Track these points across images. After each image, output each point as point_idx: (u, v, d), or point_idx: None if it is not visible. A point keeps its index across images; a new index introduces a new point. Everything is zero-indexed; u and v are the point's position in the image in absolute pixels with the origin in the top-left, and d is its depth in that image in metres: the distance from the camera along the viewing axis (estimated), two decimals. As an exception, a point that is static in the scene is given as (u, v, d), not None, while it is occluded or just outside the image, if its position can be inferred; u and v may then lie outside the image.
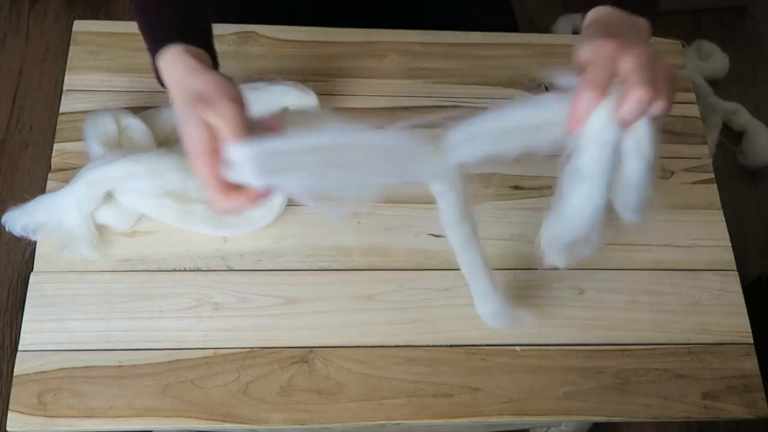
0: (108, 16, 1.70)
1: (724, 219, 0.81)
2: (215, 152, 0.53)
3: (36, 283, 0.71)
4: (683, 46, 0.92)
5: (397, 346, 0.72)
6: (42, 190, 0.74)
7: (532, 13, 1.83)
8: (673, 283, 0.77)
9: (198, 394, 0.68)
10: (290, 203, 0.77)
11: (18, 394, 0.66)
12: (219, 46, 0.86)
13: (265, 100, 0.77)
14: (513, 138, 0.57)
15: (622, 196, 0.59)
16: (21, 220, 0.70)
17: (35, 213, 0.70)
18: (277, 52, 0.87)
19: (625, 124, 0.54)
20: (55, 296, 0.71)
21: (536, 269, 0.77)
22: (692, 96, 0.89)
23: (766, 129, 1.65)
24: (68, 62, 0.84)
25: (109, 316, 0.70)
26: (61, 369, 0.68)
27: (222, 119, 0.53)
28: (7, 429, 0.65)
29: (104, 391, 0.67)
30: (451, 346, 0.72)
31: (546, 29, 1.77)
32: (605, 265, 0.77)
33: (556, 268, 0.70)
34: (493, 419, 0.70)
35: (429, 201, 0.79)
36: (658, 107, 0.53)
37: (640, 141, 0.55)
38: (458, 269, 0.75)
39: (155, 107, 0.80)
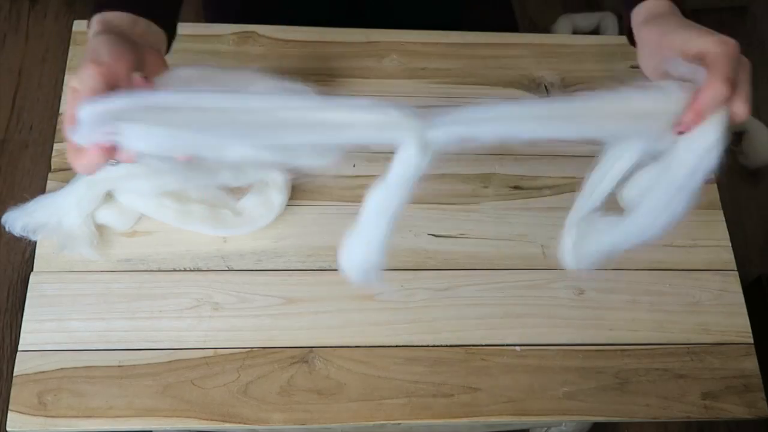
0: (108, 16, 1.70)
1: (724, 219, 0.81)
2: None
3: (36, 283, 0.72)
4: (683, 46, 0.92)
5: (397, 346, 0.72)
6: (42, 190, 0.74)
7: (532, 13, 1.83)
8: (673, 283, 0.77)
9: (198, 394, 0.68)
10: (290, 203, 0.77)
11: (18, 394, 0.66)
12: (219, 46, 0.86)
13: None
14: (606, 124, 0.54)
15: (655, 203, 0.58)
16: (21, 220, 0.70)
17: (35, 213, 0.70)
18: (277, 52, 0.87)
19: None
20: (55, 296, 0.71)
21: (536, 269, 0.77)
22: (692, 96, 0.89)
23: (766, 129, 1.65)
24: (68, 62, 0.84)
25: (109, 316, 0.70)
26: (61, 369, 0.68)
27: (79, 82, 0.53)
28: (7, 429, 0.65)
29: (104, 391, 0.67)
30: (451, 346, 0.72)
31: (546, 29, 1.77)
32: (605, 265, 0.77)
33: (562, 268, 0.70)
34: (493, 419, 0.70)
35: (429, 201, 0.79)
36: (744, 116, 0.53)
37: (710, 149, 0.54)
38: (458, 269, 0.76)
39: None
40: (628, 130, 0.55)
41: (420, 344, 0.72)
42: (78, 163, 0.54)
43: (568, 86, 0.88)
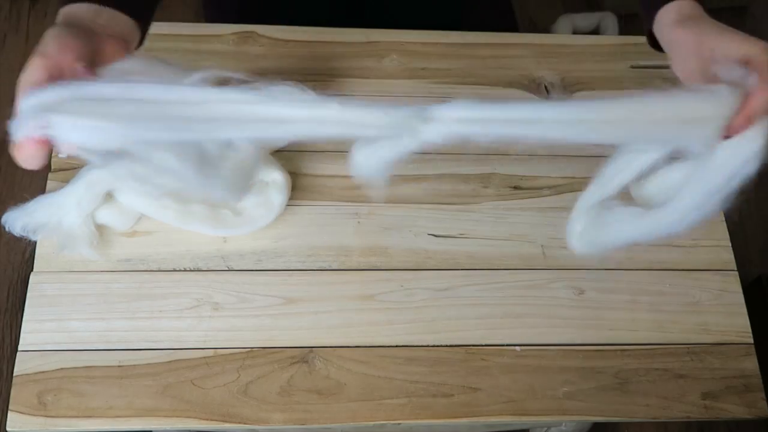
0: (108, 16, 1.70)
1: (724, 219, 0.81)
2: None
3: (36, 283, 0.72)
4: (683, 46, 0.92)
5: (397, 346, 0.72)
6: (42, 190, 0.74)
7: (532, 13, 1.83)
8: (672, 283, 0.77)
9: (198, 394, 0.68)
10: (290, 203, 0.77)
11: (18, 394, 0.66)
12: (219, 46, 0.86)
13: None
14: (654, 128, 0.54)
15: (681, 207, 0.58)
16: (21, 220, 0.70)
17: (35, 213, 0.70)
18: (277, 52, 0.87)
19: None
20: (55, 296, 0.71)
21: (536, 269, 0.77)
22: (692, 96, 0.89)
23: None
24: (68, 62, 0.83)
25: (109, 316, 0.70)
26: (61, 369, 0.68)
27: (23, 74, 0.53)
28: (7, 429, 0.65)
29: (104, 391, 0.67)
30: (451, 346, 0.72)
31: (546, 29, 1.77)
32: (605, 265, 0.77)
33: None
34: (493, 419, 0.70)
35: (429, 201, 0.79)
36: None
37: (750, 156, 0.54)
38: (458, 269, 0.76)
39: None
40: (677, 134, 0.55)
41: (420, 344, 0.72)
42: (18, 157, 0.54)
43: (568, 86, 0.88)
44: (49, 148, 0.53)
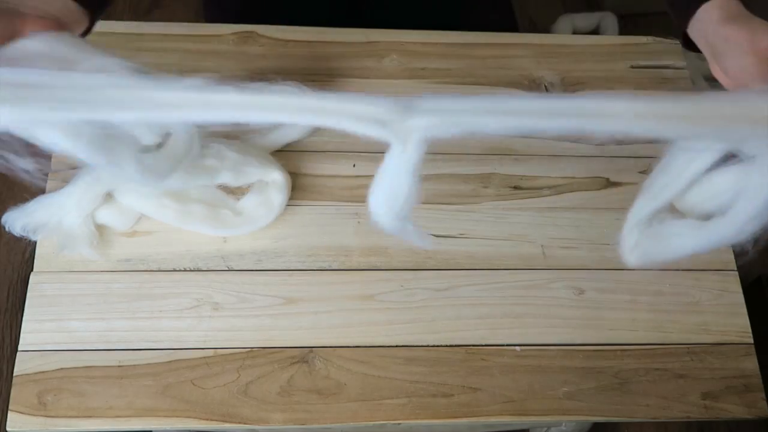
0: (108, 16, 1.70)
1: (724, 219, 0.81)
2: None
3: (36, 283, 0.72)
4: (683, 46, 0.92)
5: (397, 346, 0.72)
6: (42, 190, 0.74)
7: (532, 13, 1.83)
8: (672, 283, 0.77)
9: (198, 394, 0.68)
10: (290, 203, 0.77)
11: (18, 394, 0.66)
12: (219, 46, 0.86)
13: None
14: (725, 127, 0.53)
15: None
16: (21, 220, 0.70)
17: (35, 213, 0.70)
18: (277, 52, 0.87)
19: None
20: (55, 296, 0.71)
21: (536, 269, 0.77)
22: (692, 96, 0.89)
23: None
24: (68, 62, 0.83)
25: (109, 316, 0.70)
26: (61, 369, 0.68)
27: None
28: (7, 429, 0.65)
29: (104, 391, 0.67)
30: (451, 346, 0.72)
31: (546, 29, 1.77)
32: (605, 265, 0.77)
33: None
34: (493, 419, 0.70)
35: (429, 201, 0.79)
36: None
37: None
38: (458, 269, 0.76)
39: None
40: (744, 134, 0.53)
41: (420, 344, 0.72)
42: None
43: (568, 86, 0.88)
44: None
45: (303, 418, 0.68)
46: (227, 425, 0.67)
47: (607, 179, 0.82)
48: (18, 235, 0.70)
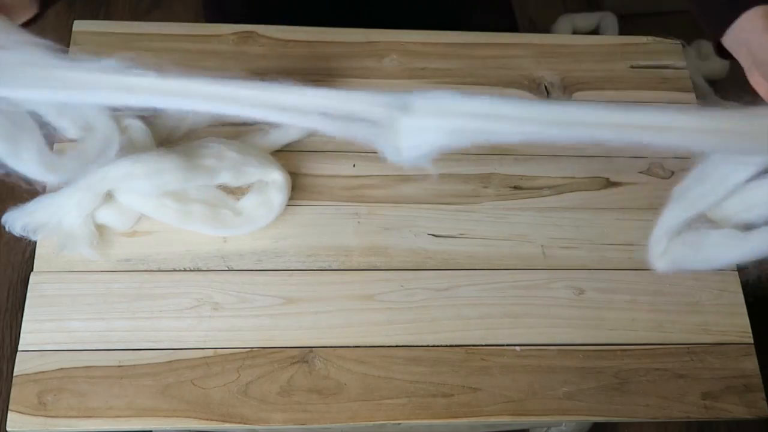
0: (108, 16, 1.70)
1: (724, 219, 0.81)
2: None
3: (36, 283, 0.72)
4: (683, 46, 0.92)
5: (397, 346, 0.72)
6: (42, 190, 0.74)
7: (532, 13, 1.83)
8: (672, 283, 0.77)
9: (198, 394, 0.68)
10: (290, 203, 0.77)
11: (18, 394, 0.66)
12: (219, 46, 0.86)
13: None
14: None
15: None
16: (21, 220, 0.70)
17: (35, 213, 0.70)
18: (277, 52, 0.87)
19: None
20: (55, 296, 0.71)
21: (536, 269, 0.77)
22: (692, 96, 0.89)
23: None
24: (68, 62, 0.83)
25: (109, 316, 0.70)
26: (61, 369, 0.68)
27: None
28: (7, 429, 0.65)
29: (104, 391, 0.67)
30: (451, 346, 0.72)
31: (546, 29, 1.77)
32: (605, 265, 0.77)
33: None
34: (493, 419, 0.70)
35: (429, 201, 0.79)
36: None
37: None
38: (458, 269, 0.76)
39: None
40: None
41: (420, 344, 0.72)
42: None
43: (568, 86, 0.88)
44: None
45: (303, 418, 0.68)
46: (227, 425, 0.67)
47: (607, 179, 0.82)
48: (18, 235, 0.70)
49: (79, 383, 0.67)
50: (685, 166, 0.84)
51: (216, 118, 0.75)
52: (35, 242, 0.73)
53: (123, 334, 0.70)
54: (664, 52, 0.91)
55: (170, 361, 0.69)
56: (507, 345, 0.73)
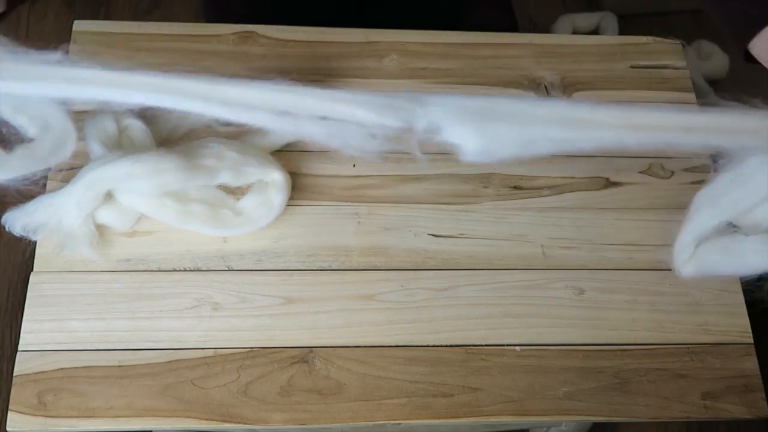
0: (108, 16, 1.70)
1: (724, 219, 0.81)
2: None
3: (36, 283, 0.72)
4: (683, 46, 0.92)
5: (397, 346, 0.72)
6: (42, 190, 0.74)
7: (532, 13, 1.83)
8: (673, 283, 0.77)
9: (198, 394, 0.68)
10: (290, 203, 0.77)
11: (18, 394, 0.66)
12: (219, 46, 0.86)
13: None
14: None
15: None
16: (21, 220, 0.70)
17: (35, 213, 0.70)
18: (277, 52, 0.87)
19: None
20: (55, 296, 0.71)
21: (536, 269, 0.77)
22: (692, 96, 0.89)
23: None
24: (68, 62, 0.83)
25: (109, 316, 0.70)
26: (61, 369, 0.68)
27: None
28: (7, 429, 0.65)
29: (104, 391, 0.67)
30: (451, 346, 0.72)
31: (546, 29, 1.77)
32: (605, 265, 0.77)
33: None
34: (493, 419, 0.70)
35: (429, 201, 0.79)
36: None
37: None
38: (458, 269, 0.76)
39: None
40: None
41: (420, 344, 0.72)
42: None
43: (568, 86, 0.88)
44: None
45: (303, 418, 0.68)
46: (227, 425, 0.67)
47: (607, 179, 0.82)
48: (18, 235, 0.70)
49: (79, 383, 0.67)
50: (686, 165, 0.84)
51: (215, 119, 0.75)
52: (35, 242, 0.73)
53: (123, 334, 0.70)
54: (664, 52, 0.91)
55: (170, 361, 0.69)
56: (507, 345, 0.73)
